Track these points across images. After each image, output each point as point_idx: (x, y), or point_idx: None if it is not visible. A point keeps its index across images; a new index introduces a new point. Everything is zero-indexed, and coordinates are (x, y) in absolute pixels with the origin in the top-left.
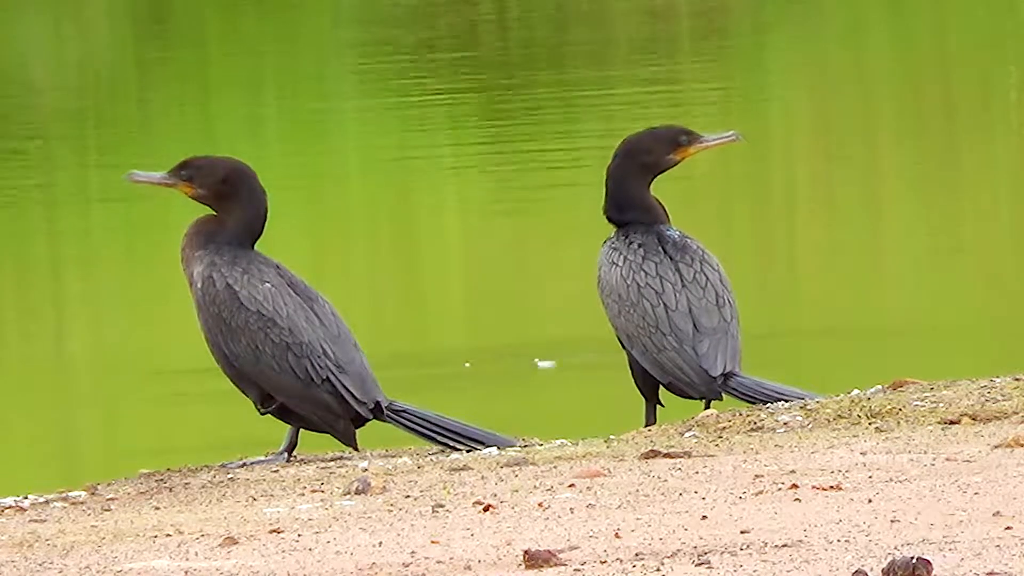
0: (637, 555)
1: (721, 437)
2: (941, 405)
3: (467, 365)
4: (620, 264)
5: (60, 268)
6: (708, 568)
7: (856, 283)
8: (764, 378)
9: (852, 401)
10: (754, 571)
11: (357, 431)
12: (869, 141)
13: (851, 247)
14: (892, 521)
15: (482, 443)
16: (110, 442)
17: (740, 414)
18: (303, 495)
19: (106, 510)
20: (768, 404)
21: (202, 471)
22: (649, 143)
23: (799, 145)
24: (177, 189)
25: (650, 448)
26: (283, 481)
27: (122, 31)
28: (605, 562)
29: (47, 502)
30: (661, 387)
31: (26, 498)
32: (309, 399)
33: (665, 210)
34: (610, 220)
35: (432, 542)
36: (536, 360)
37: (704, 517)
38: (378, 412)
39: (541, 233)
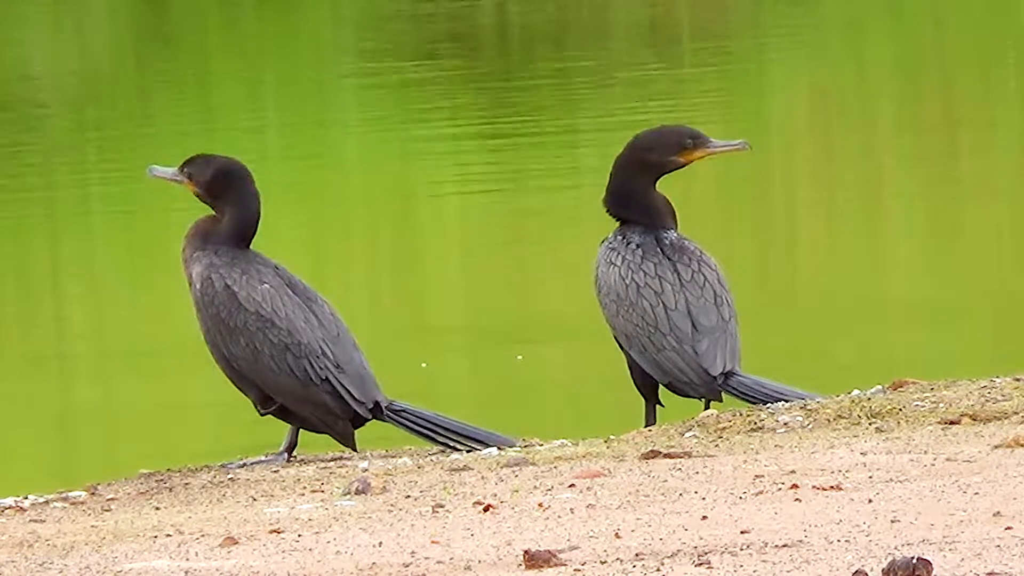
0: (637, 555)
1: (721, 437)
2: (941, 405)
3: (424, 365)
4: (618, 264)
5: (60, 268)
6: (708, 568)
7: (857, 282)
8: (764, 377)
9: (852, 401)
10: (754, 571)
11: (356, 431)
12: (869, 140)
13: (852, 246)
14: (892, 521)
15: (482, 443)
16: (110, 442)
17: (740, 414)
18: (303, 495)
19: (106, 510)
20: (768, 404)
21: (202, 471)
22: (654, 141)
23: (799, 145)
24: (184, 186)
25: (650, 448)
26: (283, 481)
27: (122, 31)
28: (605, 562)
29: (47, 502)
30: (661, 387)
31: (26, 498)
32: (308, 399)
33: (673, 210)
34: (608, 212)
35: (432, 542)
36: (519, 356)
37: (704, 517)
38: (377, 412)
39: (541, 232)
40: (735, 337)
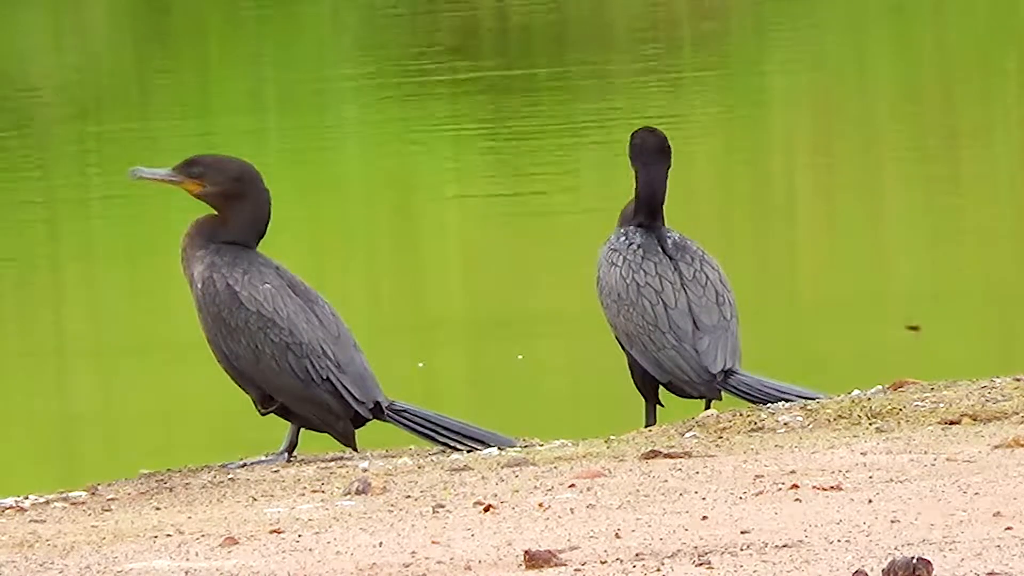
0: (637, 555)
1: (721, 437)
2: (941, 405)
3: (421, 365)
4: (619, 264)
5: (60, 268)
6: (708, 568)
7: (857, 282)
8: (765, 377)
9: (852, 401)
10: (754, 571)
11: (357, 431)
12: (869, 142)
13: (852, 246)
14: (892, 521)
15: (482, 443)
16: (110, 442)
17: (740, 414)
18: (303, 495)
19: (106, 510)
20: (768, 403)
21: (202, 471)
22: (668, 145)
23: (799, 146)
24: (182, 187)
25: (650, 448)
26: (283, 481)
27: (122, 33)
28: (605, 562)
29: (47, 502)
30: (661, 387)
31: (26, 498)
32: (309, 399)
33: None
34: (651, 216)
35: (432, 542)
36: (519, 356)
37: (704, 517)
38: (378, 412)
39: (542, 232)
40: (736, 336)
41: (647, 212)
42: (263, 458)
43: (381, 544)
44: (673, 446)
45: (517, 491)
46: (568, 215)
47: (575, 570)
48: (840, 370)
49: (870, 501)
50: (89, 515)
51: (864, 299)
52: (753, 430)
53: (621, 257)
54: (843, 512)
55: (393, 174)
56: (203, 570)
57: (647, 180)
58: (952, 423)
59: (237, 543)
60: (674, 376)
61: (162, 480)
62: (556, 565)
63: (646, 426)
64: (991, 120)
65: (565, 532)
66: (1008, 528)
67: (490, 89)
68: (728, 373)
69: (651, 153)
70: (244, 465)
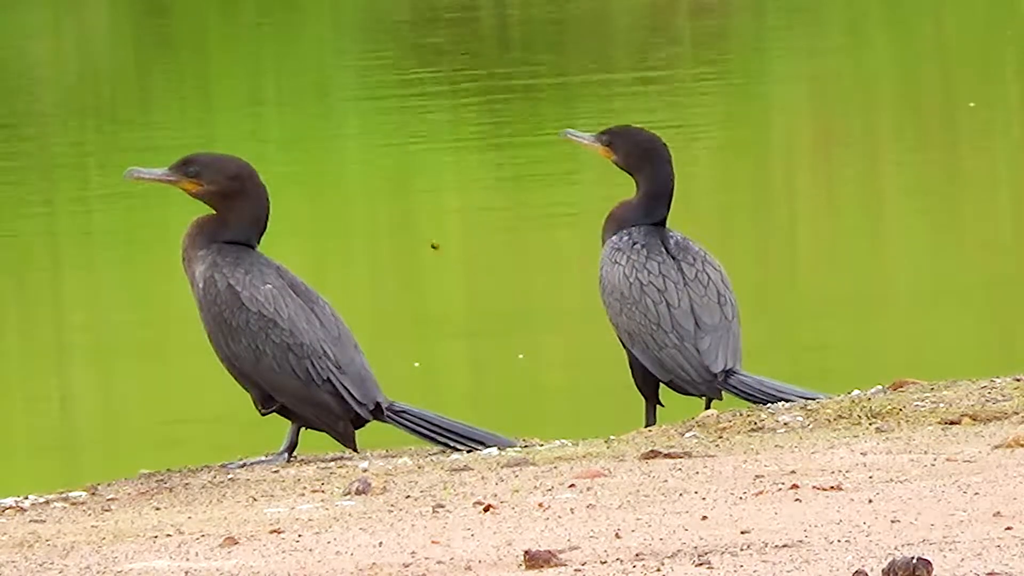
0: (637, 555)
1: (721, 437)
2: (941, 405)
3: (416, 365)
4: (623, 263)
5: (61, 269)
6: (708, 568)
7: (857, 283)
8: (765, 377)
9: (852, 401)
10: (754, 571)
11: (357, 432)
12: (869, 140)
13: (852, 247)
14: (892, 521)
15: (482, 443)
16: (110, 442)
17: (740, 414)
18: (303, 495)
19: (106, 510)
20: (769, 404)
21: (202, 471)
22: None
23: (798, 146)
24: (179, 186)
25: (650, 448)
26: (283, 481)
27: (123, 35)
28: (605, 562)
29: (47, 502)
30: (662, 386)
31: (26, 498)
32: (309, 400)
33: None
34: (664, 214)
35: (432, 542)
36: (520, 355)
37: (704, 517)
38: (378, 413)
39: (542, 231)
40: (737, 337)
41: (665, 204)
42: (263, 458)
43: (381, 544)
44: (673, 446)
45: (517, 491)
46: (568, 214)
47: (575, 570)
48: (840, 370)
49: (870, 501)
50: (89, 515)
51: (864, 299)
52: (753, 430)
53: (624, 256)
54: (843, 512)
55: (393, 174)
56: (203, 570)
57: (662, 176)
58: (952, 423)
59: (237, 543)
60: (675, 375)
61: (162, 480)
62: (556, 565)
63: (646, 426)
64: (991, 120)
65: (565, 532)
66: (1008, 528)
67: (490, 90)
68: (729, 373)
69: (660, 150)
70: (244, 465)
